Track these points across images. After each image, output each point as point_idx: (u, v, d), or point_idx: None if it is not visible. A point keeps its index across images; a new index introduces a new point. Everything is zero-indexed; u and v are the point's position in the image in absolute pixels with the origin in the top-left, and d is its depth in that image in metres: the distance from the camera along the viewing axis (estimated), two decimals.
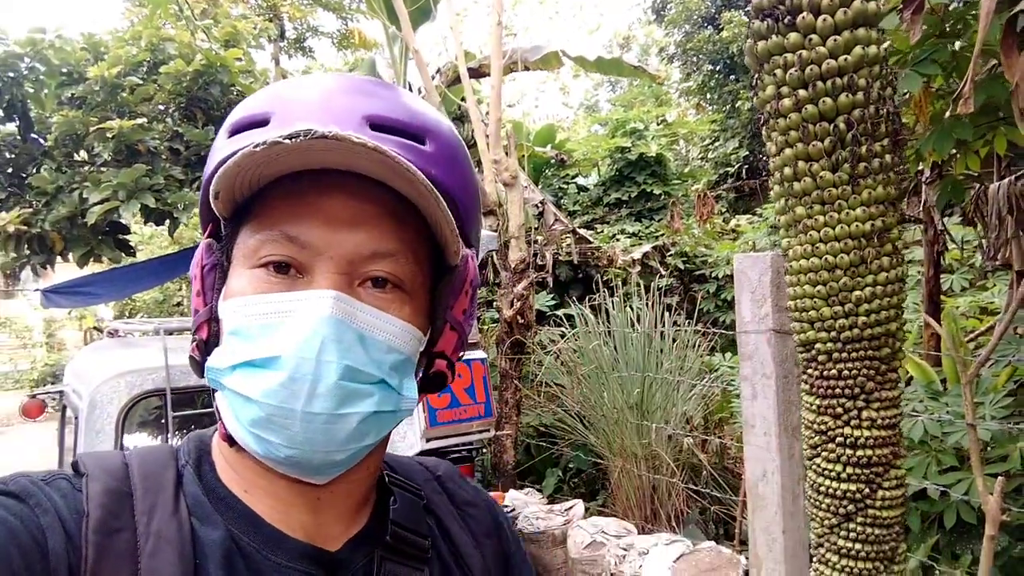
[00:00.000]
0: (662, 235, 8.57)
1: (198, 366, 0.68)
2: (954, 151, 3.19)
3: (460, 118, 7.79)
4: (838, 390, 1.57)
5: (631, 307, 4.98)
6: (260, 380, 0.60)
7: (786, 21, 1.56)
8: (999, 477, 2.39)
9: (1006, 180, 3.43)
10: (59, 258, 5.43)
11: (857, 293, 1.56)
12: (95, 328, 8.65)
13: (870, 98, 1.52)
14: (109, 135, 4.54)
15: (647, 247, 8.23)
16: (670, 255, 8.20)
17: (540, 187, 10.21)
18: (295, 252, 0.63)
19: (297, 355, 0.59)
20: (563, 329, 5.10)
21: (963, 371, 2.55)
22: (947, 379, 3.29)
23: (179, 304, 14.47)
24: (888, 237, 1.57)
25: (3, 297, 18.78)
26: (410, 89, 6.71)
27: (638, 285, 6.34)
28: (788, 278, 1.62)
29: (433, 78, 8.42)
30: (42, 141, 5.12)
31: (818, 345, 1.60)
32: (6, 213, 4.72)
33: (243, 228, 0.66)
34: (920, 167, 3.70)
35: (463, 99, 5.78)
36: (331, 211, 0.63)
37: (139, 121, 4.65)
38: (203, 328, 0.67)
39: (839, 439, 1.58)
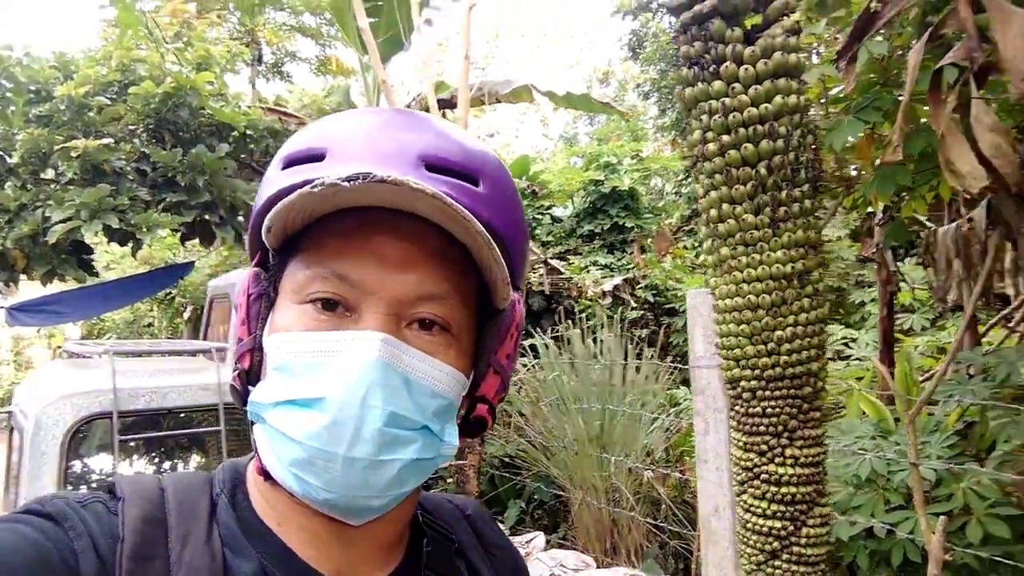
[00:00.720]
0: (633, 267, 8.66)
1: (239, 395, 0.68)
2: (902, 195, 3.27)
3: None
4: (762, 427, 1.60)
5: (596, 339, 5.01)
6: (303, 420, 0.59)
7: (711, 69, 1.62)
8: (941, 516, 2.43)
9: (953, 224, 3.52)
10: (23, 276, 5.36)
11: (779, 333, 1.60)
12: (67, 340, 8.50)
13: (790, 145, 1.58)
14: (74, 154, 4.53)
15: (618, 279, 8.29)
16: (640, 288, 8.26)
17: None
18: (344, 291, 0.62)
19: (342, 398, 0.58)
20: (527, 360, 5.11)
21: (906, 411, 2.60)
22: (900, 418, 3.34)
23: (149, 325, 14.27)
24: (808, 279, 1.61)
25: None
26: None
27: (610, 317, 6.38)
28: (715, 316, 1.65)
29: (408, 105, 8.51)
30: (7, 158, 5.08)
31: (743, 383, 1.63)
32: None
33: (292, 261, 0.65)
34: (871, 209, 3.79)
35: None
36: (382, 251, 0.62)
37: (105, 141, 4.64)
38: (246, 358, 0.67)
39: (764, 476, 1.60)
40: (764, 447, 1.55)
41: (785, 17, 1.65)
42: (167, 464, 3.01)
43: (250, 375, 0.66)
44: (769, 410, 1.55)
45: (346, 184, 0.56)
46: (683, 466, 4.39)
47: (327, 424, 0.58)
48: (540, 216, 10.80)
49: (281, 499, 0.66)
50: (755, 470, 1.55)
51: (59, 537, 0.58)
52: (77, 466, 2.75)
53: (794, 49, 1.61)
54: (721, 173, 1.60)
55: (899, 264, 5.66)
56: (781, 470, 1.52)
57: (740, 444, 1.58)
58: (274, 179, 0.65)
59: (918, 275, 5.53)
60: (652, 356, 5.04)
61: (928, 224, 3.92)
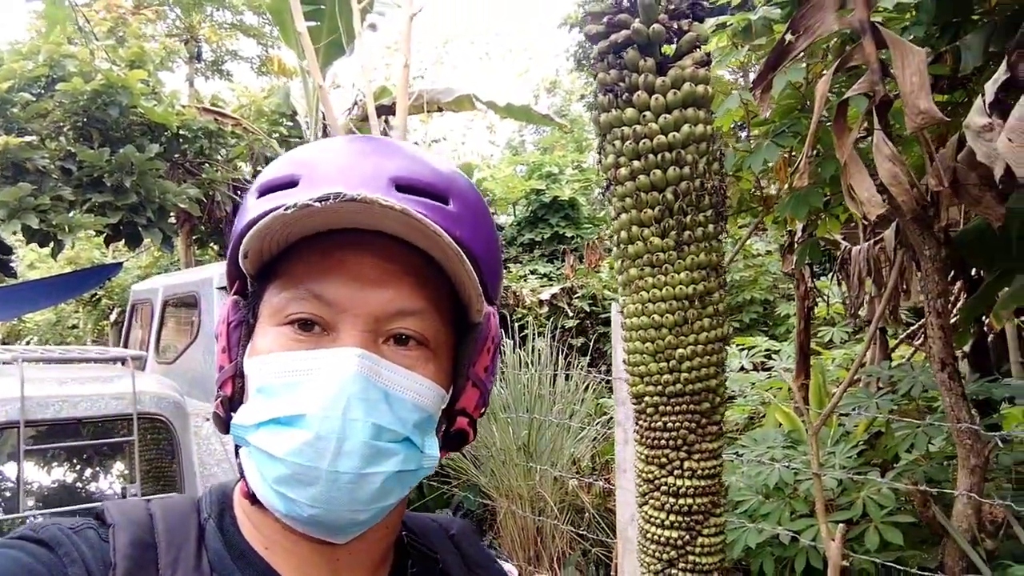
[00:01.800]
0: (576, 274, 8.78)
1: (222, 422, 0.68)
2: (818, 215, 3.43)
3: None
4: (663, 441, 1.68)
5: (533, 347, 5.07)
6: (286, 438, 0.59)
7: (624, 97, 1.69)
8: (840, 524, 2.56)
9: (866, 244, 3.72)
10: None
11: (680, 351, 1.68)
12: None
13: (696, 172, 1.66)
14: None
15: (556, 288, 8.40)
16: (577, 297, 8.38)
17: None
18: (321, 310, 0.63)
19: (323, 413, 0.59)
20: None
21: (809, 423, 2.73)
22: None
23: (74, 327, 13.75)
24: (710, 300, 1.70)
25: None
26: (325, 127, 6.71)
27: (542, 326, 6.45)
28: (623, 334, 1.72)
29: (351, 109, 8.46)
30: None
31: (647, 398, 1.71)
32: None
33: (270, 286, 0.67)
34: (790, 228, 3.97)
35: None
36: (357, 269, 0.64)
37: (29, 139, 4.49)
38: (228, 384, 0.67)
39: (663, 488, 1.68)
40: (664, 460, 1.62)
41: (697, 49, 1.74)
42: (78, 474, 2.93)
43: (232, 402, 0.67)
44: (670, 424, 1.62)
45: (318, 204, 0.58)
46: (608, 474, 4.48)
47: (309, 440, 0.58)
48: None
49: (267, 523, 0.66)
50: (655, 482, 1.62)
51: (53, 563, 0.59)
52: None
53: (703, 80, 1.69)
54: (631, 197, 1.67)
55: (819, 279, 5.91)
56: (679, 482, 1.59)
57: (642, 457, 1.65)
58: (250, 207, 0.66)
59: (841, 289, 5.78)
60: (581, 366, 5.13)
61: (843, 242, 4.12)
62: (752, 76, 4.20)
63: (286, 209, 0.59)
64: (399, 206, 0.59)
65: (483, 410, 0.74)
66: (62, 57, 5.16)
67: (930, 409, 3.43)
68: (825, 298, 5.16)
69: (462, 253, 0.63)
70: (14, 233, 4.33)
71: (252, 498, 0.65)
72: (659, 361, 1.60)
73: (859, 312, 3.99)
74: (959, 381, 2.47)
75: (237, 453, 0.67)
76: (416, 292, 0.65)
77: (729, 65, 3.29)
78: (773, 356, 5.68)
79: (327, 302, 0.63)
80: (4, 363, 3.02)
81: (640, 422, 1.68)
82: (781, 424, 3.95)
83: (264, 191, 0.66)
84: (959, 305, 3.58)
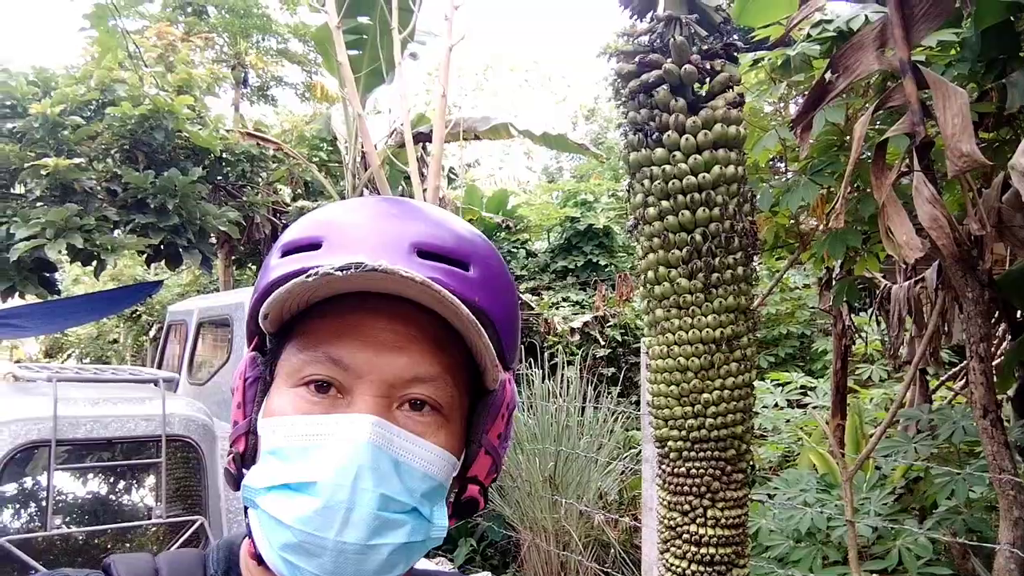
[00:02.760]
0: (606, 305, 8.72)
1: (233, 479, 0.68)
2: (856, 252, 3.36)
3: (409, 178, 7.92)
4: (686, 487, 1.63)
5: (562, 376, 5.02)
6: (295, 505, 0.60)
7: (655, 137, 1.68)
8: (874, 574, 2.47)
9: (906, 283, 3.63)
10: None
11: (706, 395, 1.64)
12: (19, 363, 8.36)
13: (726, 214, 1.64)
14: (44, 172, 4.51)
15: (588, 316, 8.34)
16: (609, 326, 8.31)
17: None
18: (337, 373, 0.63)
19: (333, 482, 0.59)
20: None
21: (843, 469, 2.65)
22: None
23: (115, 341, 14.06)
24: (738, 344, 1.66)
25: None
26: (363, 153, 6.80)
27: (574, 355, 6.40)
28: (647, 375, 1.69)
29: (389, 136, 8.57)
30: None
31: (670, 443, 1.67)
32: None
33: (288, 345, 0.67)
34: (827, 264, 3.89)
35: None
36: (374, 334, 0.64)
37: (77, 160, 4.63)
38: (240, 441, 0.67)
39: (686, 536, 1.63)
40: (687, 507, 1.57)
41: (729, 89, 1.72)
42: (104, 493, 2.97)
43: (244, 458, 0.67)
44: (693, 471, 1.58)
45: (339, 274, 0.59)
46: (636, 510, 4.40)
47: (318, 509, 0.59)
48: (515, 250, 10.87)
49: None
50: (678, 529, 1.58)
51: None
52: (10, 494, 2.70)
53: (735, 121, 1.67)
54: (659, 237, 1.65)
55: (858, 315, 5.78)
56: (702, 531, 1.54)
57: (665, 503, 1.61)
58: (272, 267, 0.67)
59: (880, 327, 5.64)
60: (611, 397, 5.06)
61: (882, 280, 4.02)
62: (792, 107, 4.16)
63: (307, 276, 0.60)
64: (419, 278, 0.60)
65: (495, 477, 0.74)
66: (113, 82, 5.33)
67: (972, 455, 3.31)
68: (863, 336, 5.03)
69: (479, 325, 0.63)
70: (60, 252, 4.46)
71: (259, 558, 0.65)
72: (684, 405, 1.57)
73: (899, 352, 3.88)
74: (1002, 428, 2.37)
75: (246, 512, 0.67)
76: (432, 358, 0.65)
77: (769, 99, 3.26)
78: (809, 393, 5.55)
79: (344, 366, 0.63)
80: (26, 380, 3.09)
81: (663, 467, 1.64)
82: (815, 466, 3.85)
83: (287, 251, 0.67)
84: (1003, 348, 3.47)
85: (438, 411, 0.66)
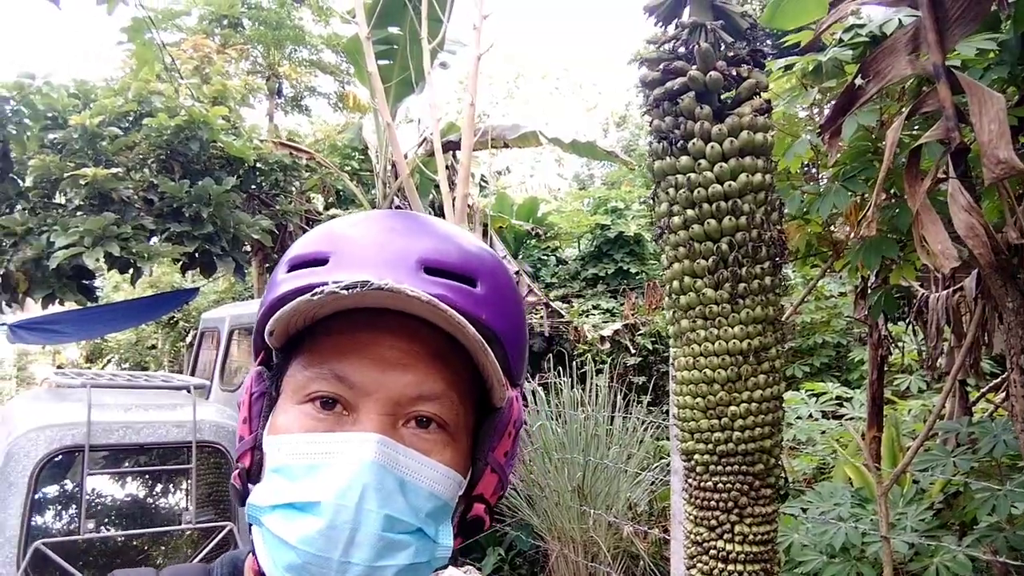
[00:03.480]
0: (635, 314, 8.66)
1: (238, 494, 0.68)
2: (892, 261, 3.28)
3: (439, 187, 7.97)
4: (713, 502, 1.60)
5: (592, 384, 4.99)
6: (299, 525, 0.59)
7: (679, 145, 1.66)
8: None
9: (944, 292, 3.53)
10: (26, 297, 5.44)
11: (733, 408, 1.61)
12: (60, 368, 8.58)
13: (753, 223, 1.61)
14: (83, 182, 4.63)
15: (618, 324, 8.29)
16: (640, 334, 8.25)
17: (520, 258, 10.33)
18: (343, 391, 0.63)
19: (337, 502, 0.59)
20: None
21: (879, 482, 2.58)
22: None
23: (153, 347, 14.35)
24: (766, 356, 1.62)
25: None
26: (393, 164, 6.87)
27: (604, 363, 6.35)
28: (673, 387, 1.67)
29: (419, 145, 8.63)
30: (20, 182, 5.19)
31: (696, 456, 1.64)
32: None
33: (294, 361, 0.67)
34: (862, 273, 3.80)
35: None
36: (381, 352, 0.64)
37: (115, 170, 4.75)
38: (246, 456, 0.67)
39: (712, 551, 1.60)
40: (714, 522, 1.54)
41: (756, 96, 1.69)
42: (135, 498, 3.02)
43: (250, 474, 0.67)
44: (720, 485, 1.55)
45: (345, 292, 0.59)
46: (665, 522, 4.34)
47: (322, 529, 0.58)
48: (545, 257, 10.86)
49: None
50: (704, 545, 1.54)
51: None
52: (45, 498, 2.76)
53: (762, 128, 1.64)
54: (685, 246, 1.63)
55: (895, 325, 5.64)
56: (729, 547, 1.51)
57: (691, 518, 1.58)
58: (279, 282, 0.67)
59: (918, 337, 5.50)
60: (641, 406, 5.01)
61: (918, 288, 3.93)
62: (826, 112, 4.08)
63: (313, 295, 0.60)
64: (425, 297, 0.59)
65: (501, 495, 0.73)
66: (150, 94, 5.46)
67: (1014, 469, 3.20)
68: (900, 345, 4.91)
69: (485, 344, 0.63)
70: (97, 260, 4.56)
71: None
72: (710, 418, 1.54)
73: (937, 363, 3.78)
74: None
75: (250, 530, 0.67)
76: (438, 375, 0.65)
77: (802, 103, 3.20)
78: (845, 404, 5.43)
79: (349, 384, 0.63)
80: (63, 386, 3.15)
81: (689, 480, 1.61)
82: (850, 479, 3.76)
83: (294, 266, 0.67)
84: None
85: (444, 429, 0.65)
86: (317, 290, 0.60)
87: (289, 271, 0.67)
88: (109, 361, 14.84)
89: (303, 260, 0.67)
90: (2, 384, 17.81)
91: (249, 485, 0.66)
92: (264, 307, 0.68)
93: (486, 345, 0.63)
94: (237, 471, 0.68)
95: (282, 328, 0.65)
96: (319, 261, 0.66)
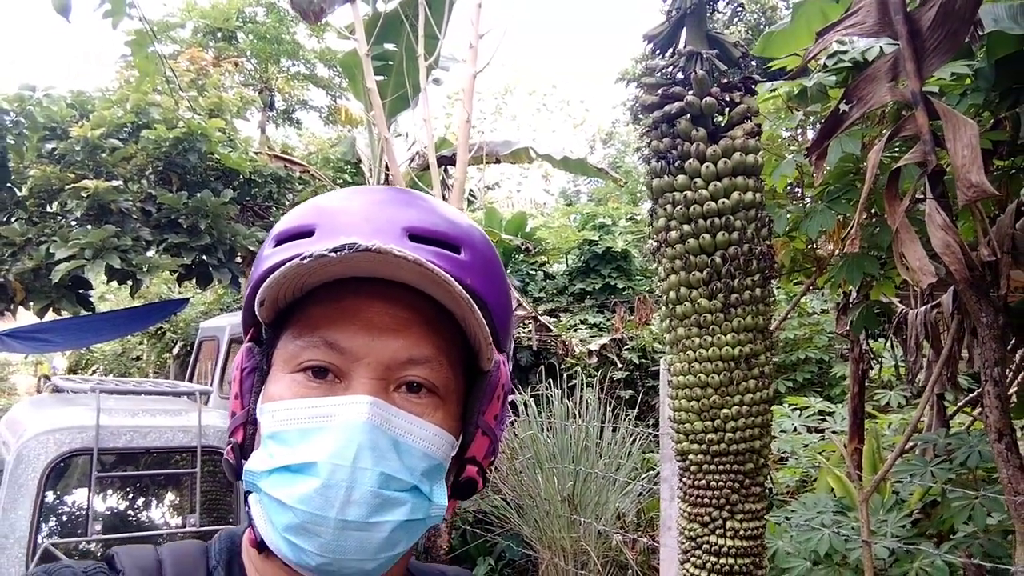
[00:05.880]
0: (624, 327, 8.78)
1: (232, 469, 0.68)
2: (873, 278, 3.41)
3: None
4: (706, 499, 1.71)
5: (581, 398, 5.08)
6: (296, 486, 0.60)
7: (676, 164, 1.77)
8: None
9: (923, 308, 3.66)
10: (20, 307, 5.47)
11: (725, 411, 1.72)
12: (46, 376, 8.54)
13: (744, 238, 1.73)
14: (84, 194, 4.68)
15: (605, 339, 8.39)
16: (627, 349, 8.36)
17: (508, 272, 10.44)
18: (334, 358, 0.64)
19: (333, 462, 0.59)
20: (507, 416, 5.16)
21: (860, 491, 2.69)
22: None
23: (138, 358, 14.27)
24: (756, 362, 1.74)
25: None
26: (387, 176, 6.96)
27: (591, 377, 6.44)
28: (669, 391, 1.77)
29: (412, 159, 8.75)
30: (17, 191, 5.23)
31: (691, 456, 1.74)
32: None
33: (284, 334, 0.68)
34: (844, 289, 3.94)
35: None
36: (370, 318, 0.65)
37: (115, 183, 4.81)
38: (239, 431, 0.68)
39: (705, 546, 1.70)
40: (707, 518, 1.64)
41: (748, 120, 1.81)
42: (141, 502, 3.07)
43: (244, 448, 0.68)
44: (713, 483, 1.65)
45: (333, 255, 0.59)
46: (653, 532, 4.43)
47: (318, 488, 0.59)
48: (533, 272, 10.97)
49: (273, 571, 0.67)
50: (698, 540, 1.64)
51: None
52: (53, 500, 2.81)
53: (753, 150, 1.76)
54: (681, 259, 1.73)
55: (875, 341, 5.78)
56: (721, 541, 1.61)
57: (685, 514, 1.68)
58: (266, 256, 0.68)
59: (897, 352, 5.63)
60: (629, 418, 5.11)
61: (898, 304, 4.06)
62: (811, 132, 4.22)
63: (302, 259, 0.61)
64: (412, 256, 0.61)
65: (493, 458, 0.74)
66: (148, 106, 5.53)
67: (989, 481, 3.32)
68: (880, 361, 5.05)
69: (472, 301, 0.64)
70: (98, 273, 4.61)
71: (259, 546, 0.66)
72: (704, 420, 1.64)
73: (916, 378, 3.91)
74: (1017, 452, 2.41)
75: (246, 500, 0.68)
76: (427, 340, 0.66)
77: (787, 125, 3.33)
78: (827, 418, 5.55)
79: (340, 350, 0.64)
80: (70, 391, 3.20)
81: (684, 479, 1.71)
82: (833, 489, 3.87)
83: (281, 240, 0.68)
84: (1021, 376, 3.49)
85: (435, 392, 0.67)
86: (306, 254, 0.61)
87: (276, 245, 0.68)
88: (95, 371, 14.73)
89: (290, 233, 0.68)
90: None
91: (243, 460, 0.67)
92: (252, 281, 0.69)
93: (473, 304, 0.64)
94: (230, 446, 0.69)
95: (272, 298, 0.66)
96: (306, 233, 0.67)
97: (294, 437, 0.62)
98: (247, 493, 0.67)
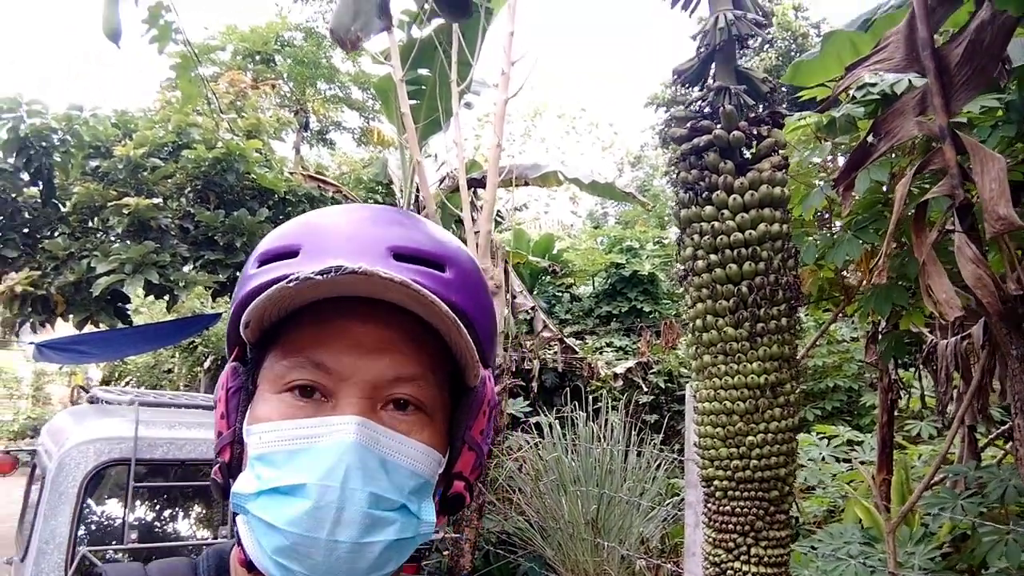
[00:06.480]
0: (651, 351, 8.77)
1: (220, 489, 0.68)
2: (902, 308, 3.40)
3: (460, 221, 8.16)
4: (731, 525, 1.73)
5: (606, 421, 5.09)
6: (285, 508, 0.60)
7: (704, 195, 1.82)
8: None
9: (953, 339, 3.64)
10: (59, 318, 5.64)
11: (751, 438, 1.75)
12: (81, 387, 8.74)
13: (771, 268, 1.76)
14: (126, 211, 4.84)
15: (631, 362, 8.39)
16: (653, 373, 8.34)
17: (535, 294, 10.49)
18: (321, 377, 0.64)
19: (322, 483, 0.59)
20: (527, 437, 5.18)
21: (887, 520, 2.67)
22: None
23: (169, 371, 14.54)
24: (782, 390, 1.76)
25: None
26: (417, 197, 7.08)
27: (617, 400, 6.45)
28: (695, 417, 1.80)
29: (442, 181, 8.88)
30: (61, 207, 5.42)
31: (716, 482, 1.77)
32: (16, 273, 4.95)
33: (269, 354, 0.68)
34: (872, 319, 3.92)
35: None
36: (356, 337, 0.65)
37: (155, 200, 4.96)
38: (226, 451, 0.68)
39: (730, 572, 1.72)
40: (731, 544, 1.66)
41: (775, 153, 1.85)
42: (173, 512, 3.15)
43: (231, 468, 0.68)
44: (738, 509, 1.67)
45: (319, 278, 0.60)
46: (677, 558, 4.41)
47: (308, 510, 0.59)
48: (560, 294, 11.01)
49: None
50: (722, 566, 1.66)
51: None
52: (91, 508, 2.90)
53: (780, 183, 1.79)
54: (708, 288, 1.77)
55: (905, 370, 5.72)
56: (746, 568, 1.63)
57: (710, 540, 1.70)
58: (251, 276, 0.68)
59: (928, 383, 5.56)
60: (654, 443, 5.11)
61: (928, 334, 4.03)
62: (840, 159, 4.23)
63: (288, 282, 0.61)
64: (398, 278, 0.61)
65: (479, 473, 0.75)
66: (188, 126, 5.71)
67: (1022, 515, 3.27)
68: (908, 391, 4.99)
69: (457, 320, 0.64)
70: (138, 288, 4.75)
71: (248, 566, 0.65)
72: (729, 447, 1.67)
73: (947, 409, 3.86)
74: None
75: (234, 519, 0.68)
76: (413, 358, 0.67)
77: (817, 155, 3.36)
78: (856, 447, 5.49)
79: (327, 370, 0.64)
80: (109, 403, 3.30)
81: (709, 505, 1.73)
82: (860, 520, 3.83)
83: (265, 260, 0.69)
84: None
85: (422, 410, 0.67)
86: (292, 277, 0.61)
87: (260, 266, 0.68)
88: (128, 383, 15.02)
89: (274, 254, 0.68)
90: (20, 403, 18.04)
91: (230, 480, 0.67)
92: (236, 302, 0.69)
93: (459, 322, 0.65)
94: (217, 465, 0.69)
95: (257, 319, 0.65)
96: (290, 253, 0.67)
97: (282, 459, 0.62)
98: (235, 515, 0.67)
